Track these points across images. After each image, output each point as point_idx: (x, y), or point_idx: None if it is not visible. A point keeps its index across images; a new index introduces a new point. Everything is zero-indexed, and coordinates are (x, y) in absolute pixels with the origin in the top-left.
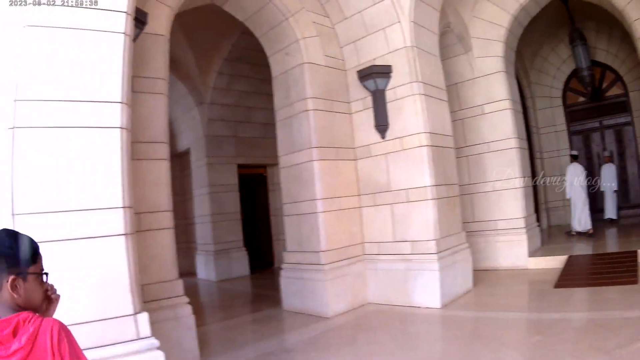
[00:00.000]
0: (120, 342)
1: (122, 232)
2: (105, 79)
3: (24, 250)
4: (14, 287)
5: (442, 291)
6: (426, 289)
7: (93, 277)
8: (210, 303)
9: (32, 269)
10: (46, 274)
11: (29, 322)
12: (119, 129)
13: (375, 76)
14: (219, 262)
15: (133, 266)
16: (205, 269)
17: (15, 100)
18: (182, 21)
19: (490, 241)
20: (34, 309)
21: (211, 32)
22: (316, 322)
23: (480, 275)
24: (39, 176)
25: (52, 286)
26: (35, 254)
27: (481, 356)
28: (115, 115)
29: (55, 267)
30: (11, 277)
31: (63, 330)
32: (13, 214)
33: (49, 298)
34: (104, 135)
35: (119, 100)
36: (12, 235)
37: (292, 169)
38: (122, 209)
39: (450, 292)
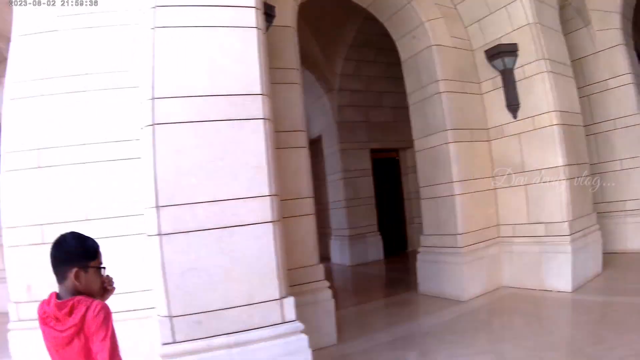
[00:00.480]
0: (266, 326)
1: (270, 220)
2: (243, 73)
3: (86, 248)
4: (77, 276)
5: (573, 274)
6: (559, 272)
7: (242, 264)
8: (346, 287)
9: (92, 263)
10: (104, 267)
11: (82, 303)
12: (262, 120)
13: (502, 55)
14: (354, 247)
15: (280, 252)
16: (339, 254)
17: (153, 99)
18: (304, 11)
19: (618, 223)
20: (92, 295)
21: (333, 20)
22: (452, 306)
23: (609, 258)
24: (182, 169)
25: (110, 278)
26: (95, 252)
27: (610, 342)
28: (257, 106)
29: (205, 255)
30: (75, 269)
31: (104, 310)
32: (157, 207)
33: (106, 288)
34: (248, 127)
35: (260, 92)
36: (77, 237)
37: (428, 152)
38: (269, 197)
39: (580, 276)
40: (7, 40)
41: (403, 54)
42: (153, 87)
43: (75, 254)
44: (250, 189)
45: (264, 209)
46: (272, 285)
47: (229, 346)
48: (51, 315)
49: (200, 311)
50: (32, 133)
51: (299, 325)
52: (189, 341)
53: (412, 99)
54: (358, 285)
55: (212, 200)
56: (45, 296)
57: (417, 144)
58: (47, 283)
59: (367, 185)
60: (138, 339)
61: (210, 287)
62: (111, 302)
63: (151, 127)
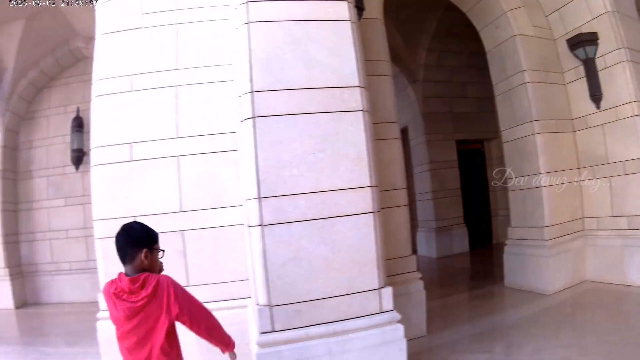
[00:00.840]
0: (364, 316)
1: (370, 210)
2: (340, 65)
3: (151, 234)
4: (145, 256)
5: None
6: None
7: (342, 254)
8: (432, 279)
9: (155, 246)
10: (163, 250)
11: (152, 278)
12: (360, 112)
13: (583, 44)
14: (440, 239)
15: (380, 242)
16: (425, 246)
17: (252, 92)
18: (385, 2)
19: None
20: (153, 272)
21: (414, 11)
22: (536, 299)
23: None
24: (283, 161)
25: (161, 262)
26: (156, 237)
27: None
28: (356, 98)
29: (306, 245)
30: (145, 250)
31: (173, 282)
32: (259, 198)
33: (160, 268)
34: (347, 119)
35: (357, 85)
36: (143, 225)
37: (515, 143)
38: (369, 188)
39: None
40: (86, 39)
41: (487, 44)
42: (251, 81)
43: (144, 238)
44: (351, 180)
45: (365, 200)
46: (371, 275)
47: (327, 335)
48: (125, 289)
49: (300, 300)
50: (123, 128)
51: (396, 315)
52: (288, 330)
53: (498, 90)
54: (444, 277)
55: (314, 192)
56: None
57: (505, 135)
58: None
59: (453, 177)
60: (229, 330)
61: (311, 277)
62: (204, 292)
63: (251, 119)
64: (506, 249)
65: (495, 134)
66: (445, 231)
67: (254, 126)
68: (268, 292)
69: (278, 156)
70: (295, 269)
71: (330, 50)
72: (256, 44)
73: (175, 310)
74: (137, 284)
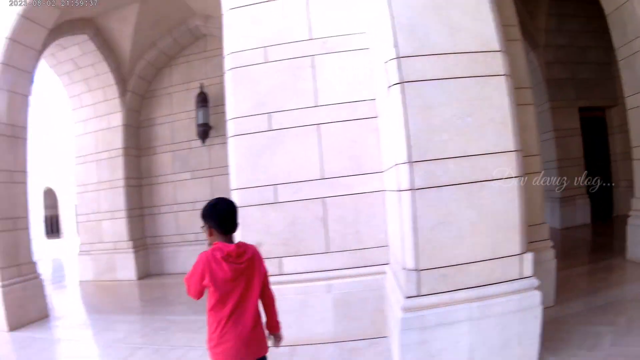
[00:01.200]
0: (504, 281)
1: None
2: (480, 29)
3: None
4: None
5: None
6: None
7: (488, 218)
8: (556, 250)
9: None
10: None
11: (249, 245)
12: (503, 77)
13: None
14: (564, 209)
15: (523, 207)
16: (550, 216)
17: (398, 58)
18: None
19: None
20: None
21: None
22: None
23: None
24: (433, 125)
25: None
26: None
27: None
28: (498, 63)
29: (455, 209)
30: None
31: None
32: (410, 162)
33: None
34: (491, 83)
35: (498, 49)
36: None
37: (638, 110)
38: (514, 152)
39: None
40: (203, 17)
41: (606, 7)
42: (397, 46)
43: None
44: (497, 144)
45: (510, 164)
46: (514, 240)
47: (470, 300)
48: (233, 254)
49: (446, 265)
50: (259, 98)
51: (535, 281)
52: (433, 294)
53: (620, 54)
54: (568, 248)
55: (462, 156)
56: (267, 255)
57: (629, 102)
58: (274, 241)
59: (576, 146)
60: (368, 296)
61: (458, 241)
62: (345, 258)
63: (399, 85)
64: (629, 220)
65: (617, 101)
66: (569, 201)
67: (403, 91)
68: (416, 256)
69: (428, 121)
70: (444, 233)
71: (470, 15)
72: (398, 10)
73: (264, 272)
74: (241, 249)
